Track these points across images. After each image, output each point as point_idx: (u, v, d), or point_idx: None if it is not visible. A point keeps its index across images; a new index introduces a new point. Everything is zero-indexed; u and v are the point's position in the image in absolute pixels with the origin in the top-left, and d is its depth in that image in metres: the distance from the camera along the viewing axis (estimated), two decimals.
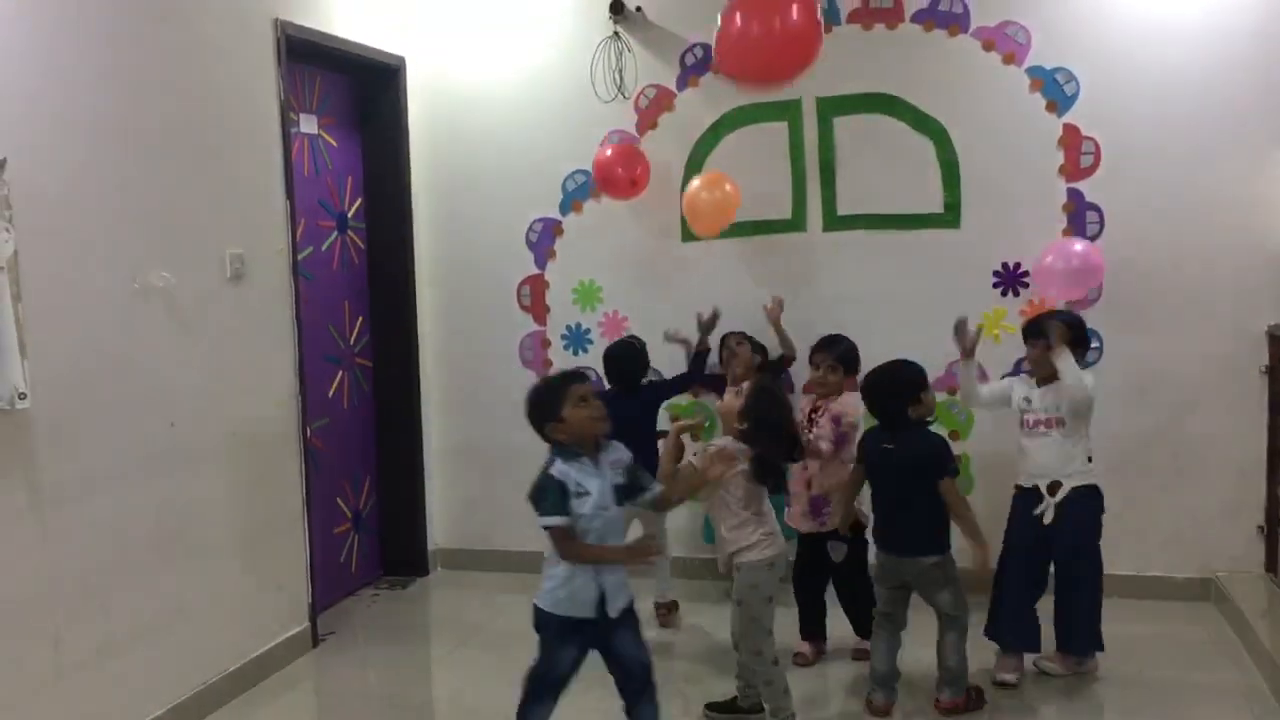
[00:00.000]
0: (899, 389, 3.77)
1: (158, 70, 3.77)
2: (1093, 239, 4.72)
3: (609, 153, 5.05)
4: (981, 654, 3.96)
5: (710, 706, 3.76)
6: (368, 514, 5.45)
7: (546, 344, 5.43)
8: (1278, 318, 4.52)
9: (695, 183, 4.88)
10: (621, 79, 5.11)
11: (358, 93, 5.36)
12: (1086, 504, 3.93)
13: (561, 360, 5.39)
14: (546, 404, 3.11)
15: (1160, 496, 4.73)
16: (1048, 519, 3.91)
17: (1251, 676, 3.94)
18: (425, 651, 4.76)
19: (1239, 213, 4.57)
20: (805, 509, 4.17)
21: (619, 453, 3.15)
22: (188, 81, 3.92)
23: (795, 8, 4.27)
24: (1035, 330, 4.03)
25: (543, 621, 3.13)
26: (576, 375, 3.29)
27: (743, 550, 3.50)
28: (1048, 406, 3.96)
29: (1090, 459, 3.95)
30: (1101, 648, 3.99)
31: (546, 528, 3.05)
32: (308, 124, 4.96)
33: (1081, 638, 3.97)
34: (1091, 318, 4.74)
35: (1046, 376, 3.96)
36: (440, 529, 5.62)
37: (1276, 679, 3.76)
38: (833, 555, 4.17)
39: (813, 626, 4.29)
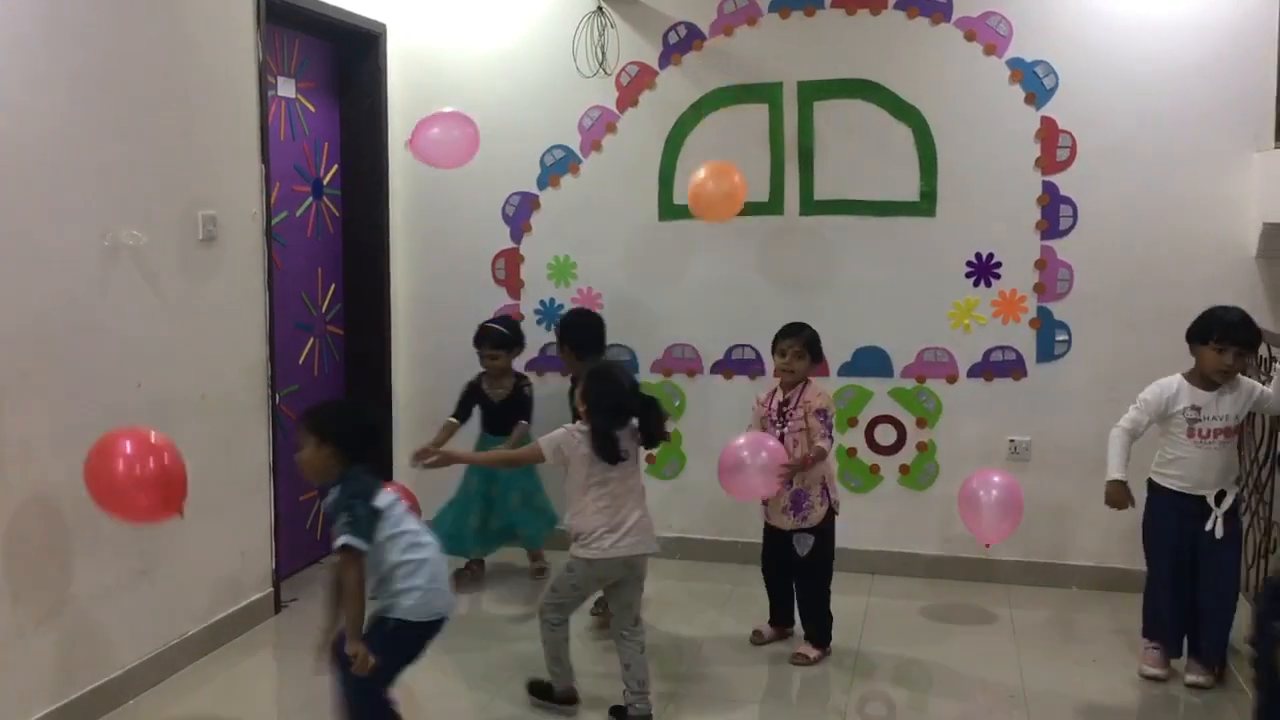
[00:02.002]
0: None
1: (134, 27, 3.72)
2: (1065, 233, 4.76)
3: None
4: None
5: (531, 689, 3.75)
6: None
7: (520, 318, 5.42)
8: None
9: (701, 173, 4.69)
10: (604, 55, 5.09)
11: (337, 58, 5.32)
12: (1238, 513, 3.88)
13: (534, 335, 5.38)
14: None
15: None
16: (1219, 533, 3.78)
17: None
18: None
19: (1211, 211, 4.62)
20: (787, 504, 4.07)
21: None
22: (165, 39, 3.87)
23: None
24: (1248, 340, 3.81)
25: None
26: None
27: (575, 541, 3.53)
28: (1224, 415, 3.80)
29: None
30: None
31: None
32: (285, 87, 4.92)
33: (1218, 647, 3.86)
34: (1060, 311, 4.81)
35: (1217, 383, 3.81)
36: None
37: (1244, 671, 3.82)
38: (798, 549, 4.11)
39: (784, 614, 4.29)
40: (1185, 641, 3.90)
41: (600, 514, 3.48)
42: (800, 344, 4.10)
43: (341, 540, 2.90)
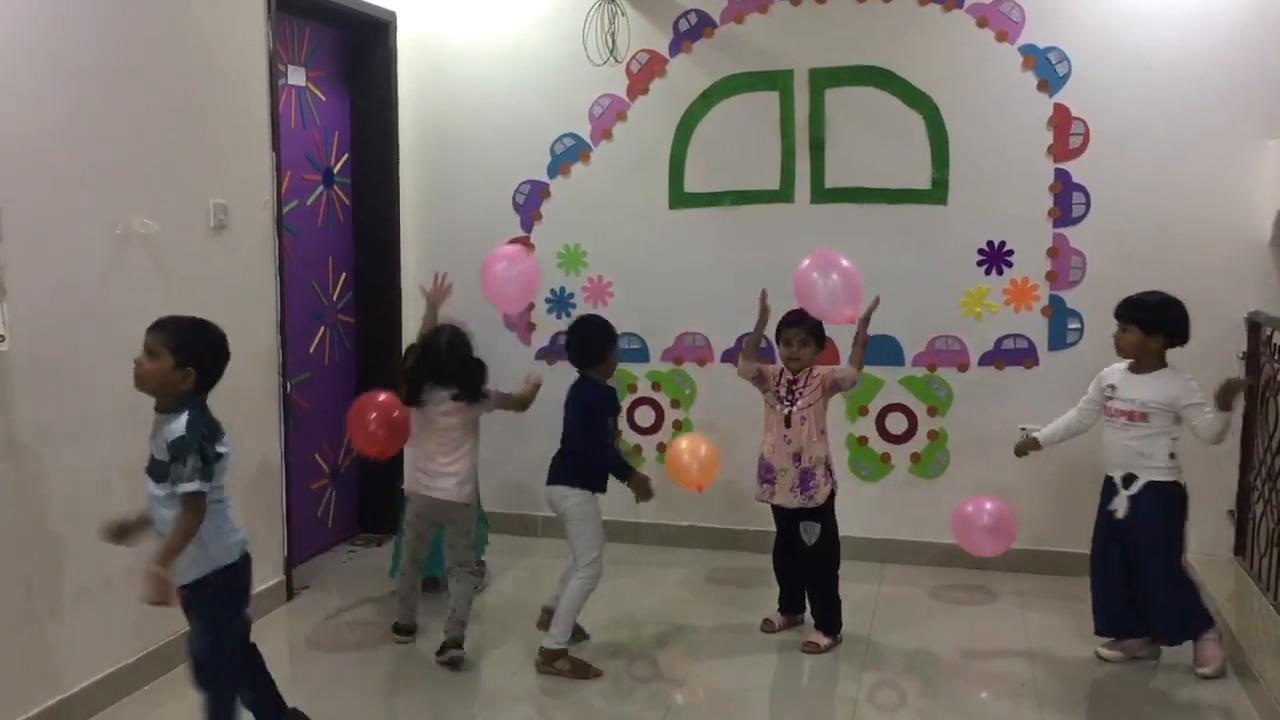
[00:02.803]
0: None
1: (145, 16, 3.72)
2: (1078, 221, 4.74)
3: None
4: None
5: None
6: (346, 470, 5.45)
7: (530, 307, 5.42)
8: (1257, 304, 4.55)
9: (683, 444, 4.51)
10: (614, 42, 5.08)
11: (347, 47, 5.32)
12: (1161, 499, 3.83)
13: (544, 324, 5.39)
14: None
15: None
16: (1121, 513, 3.86)
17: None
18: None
19: (1223, 199, 4.59)
20: (795, 483, 4.09)
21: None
22: (175, 28, 3.87)
23: None
24: (1123, 314, 3.90)
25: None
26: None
27: None
28: (1133, 399, 3.84)
29: (1174, 455, 3.84)
30: (1194, 635, 3.88)
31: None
32: (296, 76, 4.92)
33: (1170, 627, 3.89)
34: (1073, 299, 4.79)
35: (1138, 366, 3.89)
36: None
37: (1240, 660, 3.81)
38: (805, 537, 4.13)
39: (794, 602, 4.31)
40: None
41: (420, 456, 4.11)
42: (805, 331, 4.12)
43: (194, 487, 2.81)
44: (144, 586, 2.76)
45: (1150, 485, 3.82)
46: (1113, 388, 3.91)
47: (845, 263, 4.04)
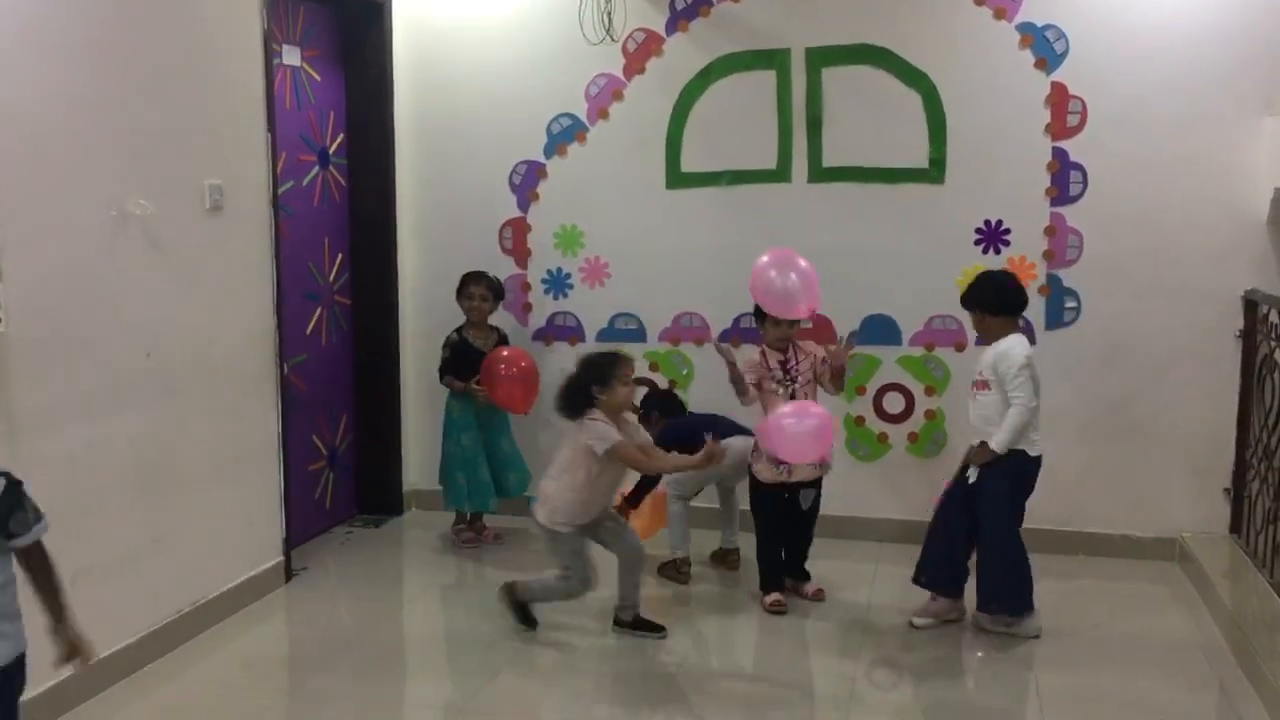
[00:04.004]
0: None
1: None
2: (1075, 199, 4.74)
3: None
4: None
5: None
6: (344, 452, 5.45)
7: (527, 287, 5.41)
8: (1254, 283, 4.55)
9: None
10: (610, 21, 5.05)
11: (342, 26, 5.29)
12: (1005, 469, 3.91)
13: (541, 304, 5.39)
14: None
15: (1131, 457, 4.79)
16: (972, 478, 3.97)
17: (1210, 633, 4.01)
18: (397, 589, 4.79)
19: (1220, 177, 4.59)
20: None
21: None
22: (170, 8, 3.85)
23: None
24: (968, 301, 4.10)
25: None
26: None
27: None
28: (978, 370, 4.03)
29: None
30: (1021, 611, 3.97)
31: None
32: (290, 55, 4.89)
33: (991, 597, 4.00)
34: (1070, 278, 4.79)
35: (985, 341, 4.09)
36: (416, 469, 5.62)
37: (1236, 636, 3.83)
38: (803, 503, 4.27)
39: (781, 576, 4.35)
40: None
41: None
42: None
43: (41, 531, 2.50)
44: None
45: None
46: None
47: (803, 263, 4.10)
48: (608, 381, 3.85)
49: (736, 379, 4.16)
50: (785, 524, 4.30)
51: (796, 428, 3.95)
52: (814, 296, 4.13)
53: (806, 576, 4.40)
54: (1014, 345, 3.92)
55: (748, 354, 4.32)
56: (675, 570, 4.60)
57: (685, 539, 4.62)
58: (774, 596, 4.28)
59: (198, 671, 3.78)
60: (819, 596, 4.34)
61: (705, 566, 4.73)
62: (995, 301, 4.00)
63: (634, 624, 4.04)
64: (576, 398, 3.89)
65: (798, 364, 4.20)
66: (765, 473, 4.24)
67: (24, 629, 2.48)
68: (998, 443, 3.86)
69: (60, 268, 3.39)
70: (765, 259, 4.14)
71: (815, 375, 4.22)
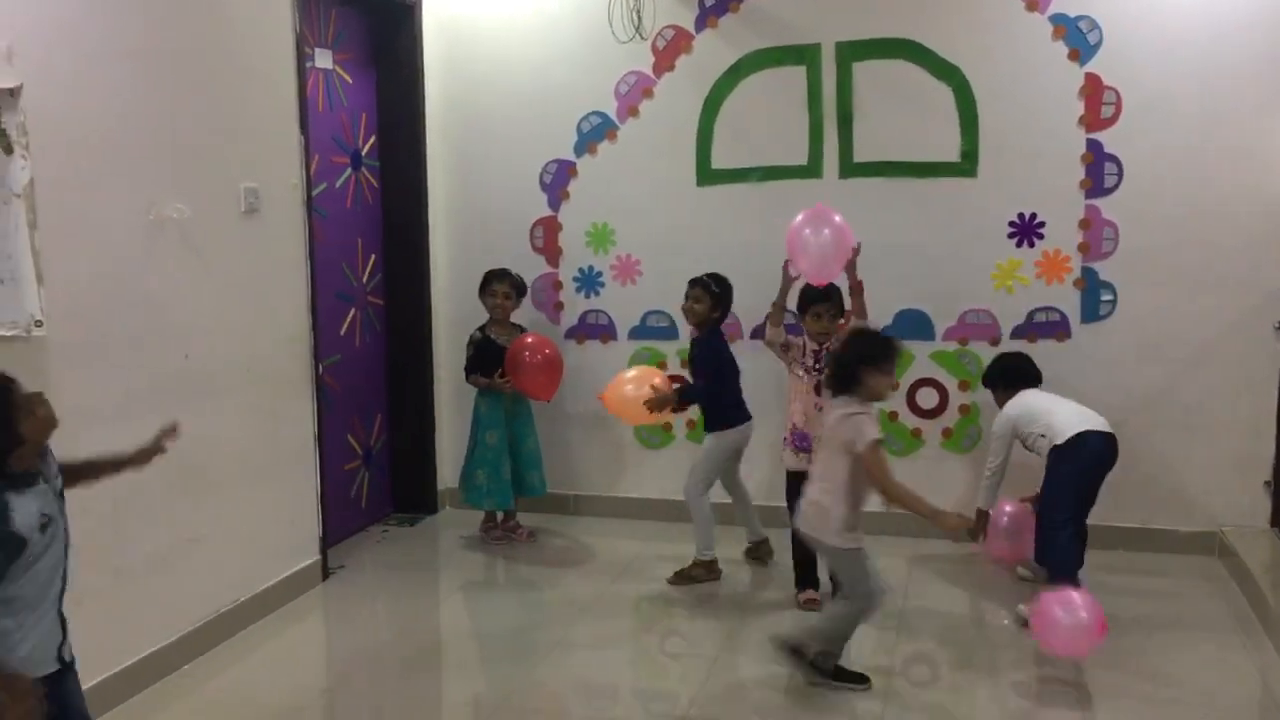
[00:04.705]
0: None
1: (174, 2, 3.74)
2: (1110, 191, 4.69)
3: None
4: None
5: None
6: (378, 451, 5.49)
7: (559, 286, 5.43)
8: None
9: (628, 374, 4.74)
10: (639, 19, 5.05)
11: (373, 29, 5.32)
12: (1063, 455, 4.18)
13: (573, 303, 5.40)
14: None
15: (1169, 451, 4.74)
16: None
17: (1251, 628, 3.97)
18: (433, 587, 4.82)
19: (1257, 168, 4.54)
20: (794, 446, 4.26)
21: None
22: (204, 13, 3.89)
23: None
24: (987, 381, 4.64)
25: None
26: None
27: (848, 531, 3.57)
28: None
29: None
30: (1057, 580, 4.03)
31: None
32: (323, 59, 4.93)
33: (1039, 559, 4.25)
34: (1105, 271, 4.75)
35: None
36: (449, 468, 5.64)
37: (1277, 630, 3.78)
38: None
39: (814, 575, 4.32)
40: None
41: None
42: (834, 306, 4.27)
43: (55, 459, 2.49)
44: None
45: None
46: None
47: (838, 218, 4.14)
48: (878, 364, 3.48)
49: (779, 306, 4.33)
50: None
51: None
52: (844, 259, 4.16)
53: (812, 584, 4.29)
54: (1003, 413, 4.37)
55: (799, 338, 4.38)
56: (707, 571, 4.57)
57: (713, 539, 4.59)
58: (807, 594, 4.28)
59: (237, 670, 3.82)
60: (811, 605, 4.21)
61: (739, 564, 4.73)
62: (1003, 380, 4.52)
63: (835, 674, 3.62)
64: (842, 372, 3.53)
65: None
66: (788, 459, 4.28)
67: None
68: (979, 503, 4.35)
69: (99, 271, 3.43)
70: (799, 219, 4.17)
71: None
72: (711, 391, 4.56)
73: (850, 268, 4.24)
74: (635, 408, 4.56)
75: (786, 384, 4.46)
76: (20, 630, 2.33)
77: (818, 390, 4.18)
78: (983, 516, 4.32)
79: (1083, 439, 4.08)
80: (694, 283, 4.59)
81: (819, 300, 4.26)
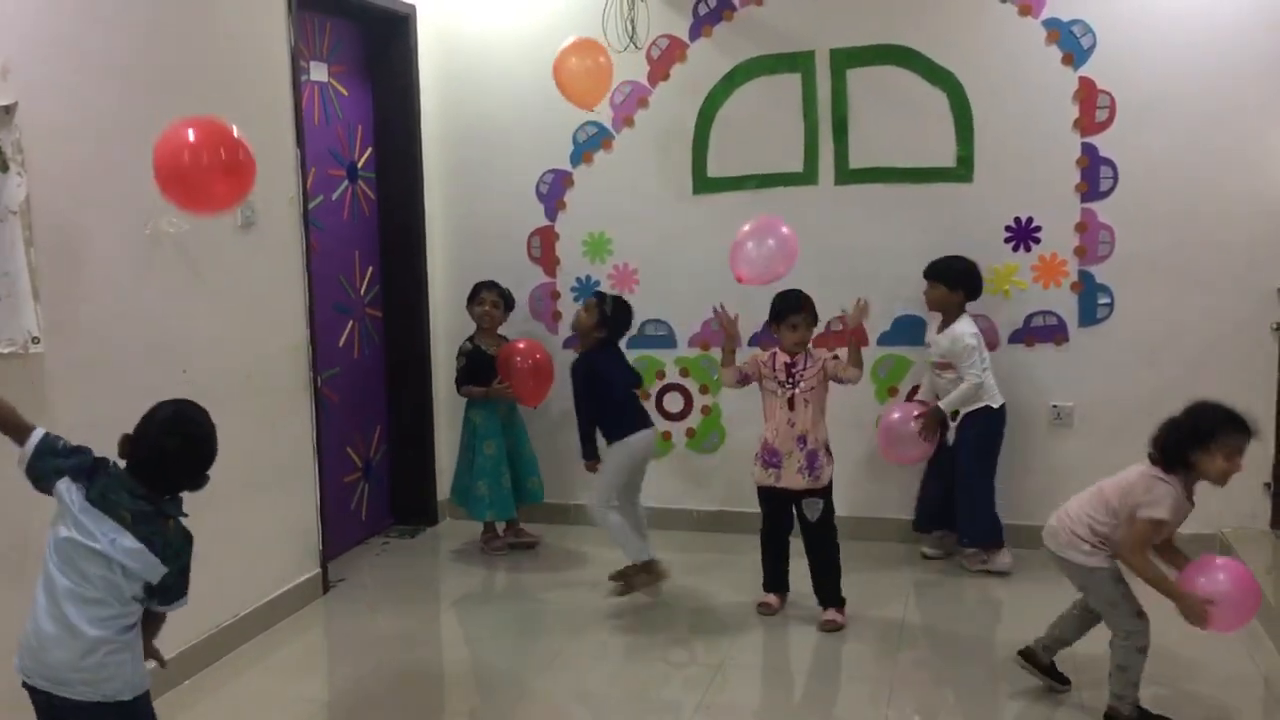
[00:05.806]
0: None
1: (170, 14, 3.75)
2: (1106, 195, 4.70)
3: None
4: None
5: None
6: (378, 463, 5.48)
7: (556, 296, 5.43)
8: None
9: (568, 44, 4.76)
10: (634, 29, 5.06)
11: (368, 41, 5.33)
12: (977, 422, 4.57)
13: (570, 312, 5.40)
14: None
15: None
16: (950, 440, 4.65)
17: (1251, 628, 3.94)
18: (434, 599, 4.81)
19: (1253, 170, 4.54)
20: (802, 464, 4.10)
21: None
22: (199, 26, 3.90)
23: None
24: (932, 272, 4.65)
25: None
26: None
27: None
28: (939, 354, 4.62)
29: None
30: (991, 543, 4.60)
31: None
32: (318, 72, 4.94)
33: (967, 533, 4.64)
34: (1102, 274, 4.76)
35: (943, 321, 4.65)
36: (449, 479, 5.63)
37: (1278, 632, 3.78)
38: (808, 514, 4.15)
39: (782, 580, 4.33)
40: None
41: None
42: (807, 315, 4.18)
43: (179, 607, 2.82)
44: None
45: (969, 415, 4.57)
46: (926, 344, 4.75)
47: (785, 229, 4.16)
48: (1208, 445, 3.17)
49: (728, 348, 4.27)
50: (781, 531, 4.27)
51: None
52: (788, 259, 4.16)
53: (824, 601, 4.19)
54: (964, 329, 4.52)
55: (756, 354, 4.33)
56: (647, 573, 4.41)
57: (642, 542, 4.46)
58: (764, 598, 4.30)
59: (238, 685, 3.81)
60: (828, 627, 4.11)
61: (744, 570, 4.72)
62: (960, 280, 4.58)
63: (1048, 671, 3.57)
64: (1170, 450, 3.22)
65: (805, 368, 4.12)
66: (758, 474, 4.21)
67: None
68: (946, 404, 4.52)
69: (96, 287, 3.43)
70: (745, 229, 4.22)
71: (826, 375, 4.13)
72: (589, 415, 4.45)
73: (855, 321, 4.23)
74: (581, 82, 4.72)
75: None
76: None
77: (790, 404, 4.10)
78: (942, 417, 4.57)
79: (1004, 408, 4.53)
80: (594, 293, 4.65)
81: (794, 311, 4.15)
